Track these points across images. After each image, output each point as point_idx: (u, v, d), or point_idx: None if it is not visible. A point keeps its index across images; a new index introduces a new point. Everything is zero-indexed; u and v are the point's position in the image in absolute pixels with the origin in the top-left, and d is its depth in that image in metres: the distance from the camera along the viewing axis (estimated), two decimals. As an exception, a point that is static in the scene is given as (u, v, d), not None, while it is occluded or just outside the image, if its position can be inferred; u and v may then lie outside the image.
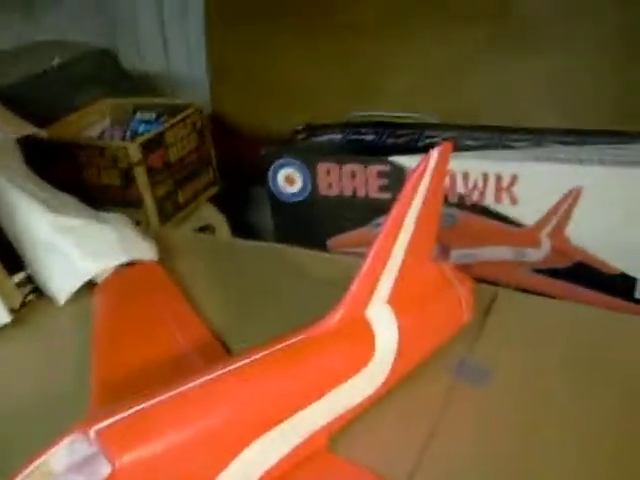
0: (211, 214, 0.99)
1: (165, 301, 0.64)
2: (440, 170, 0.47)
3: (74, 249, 0.66)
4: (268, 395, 0.42)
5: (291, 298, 0.64)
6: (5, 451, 0.48)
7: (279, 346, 0.44)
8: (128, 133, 1.00)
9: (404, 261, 0.48)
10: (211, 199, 0.98)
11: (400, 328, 0.48)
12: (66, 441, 0.37)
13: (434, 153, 0.46)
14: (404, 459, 0.45)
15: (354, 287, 0.46)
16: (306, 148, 0.82)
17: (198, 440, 0.38)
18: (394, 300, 0.49)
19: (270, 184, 0.82)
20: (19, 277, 0.69)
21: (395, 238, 0.46)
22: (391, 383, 0.49)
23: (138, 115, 1.04)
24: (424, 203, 0.47)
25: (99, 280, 0.68)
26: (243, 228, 0.97)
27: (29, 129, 0.69)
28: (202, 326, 0.60)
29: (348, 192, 0.78)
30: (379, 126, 0.82)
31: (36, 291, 0.70)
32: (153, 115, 1.01)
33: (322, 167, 0.78)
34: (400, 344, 0.48)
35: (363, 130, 0.81)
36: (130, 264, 0.69)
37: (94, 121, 1.03)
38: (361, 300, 0.47)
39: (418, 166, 0.45)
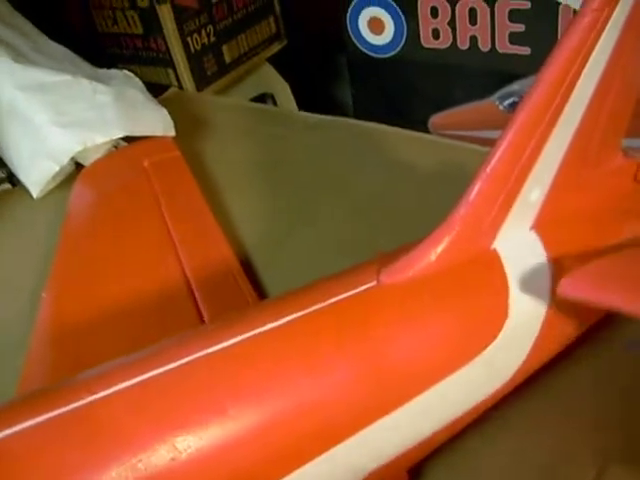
0: (271, 79, 0.80)
1: (173, 201, 0.46)
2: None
3: (46, 116, 0.48)
4: (306, 399, 0.24)
5: (368, 203, 0.46)
6: None
7: (326, 303, 0.26)
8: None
9: (572, 150, 0.28)
10: (272, 59, 0.79)
11: (555, 274, 0.28)
12: None
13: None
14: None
15: (474, 193, 0.26)
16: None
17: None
18: (547, 223, 0.29)
19: (349, 32, 0.61)
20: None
21: (559, 108, 0.26)
22: (529, 370, 0.30)
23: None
24: (619, 47, 0.27)
25: (87, 163, 0.51)
26: (316, 102, 0.78)
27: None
28: (223, 244, 0.42)
29: (464, 44, 0.56)
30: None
31: (12, 177, 0.54)
32: None
33: (424, 4, 0.55)
34: (554, 300, 0.28)
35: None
36: (134, 142, 0.52)
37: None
38: (487, 218, 0.27)
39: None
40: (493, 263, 0.27)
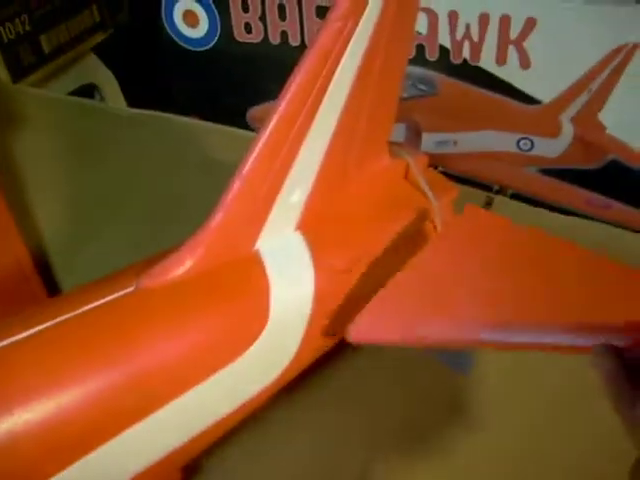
0: (95, 70, 0.77)
1: None
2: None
3: None
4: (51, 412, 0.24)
5: (173, 202, 0.47)
6: None
7: (85, 308, 0.26)
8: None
9: (333, 149, 0.28)
10: (96, 49, 0.76)
11: (319, 273, 0.29)
12: None
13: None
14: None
15: (232, 194, 0.27)
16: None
17: None
18: (311, 223, 0.30)
19: (164, 24, 0.60)
20: None
21: (314, 106, 0.27)
22: (301, 365, 0.31)
23: None
24: (370, 53, 0.28)
25: None
26: (140, 91, 0.76)
27: None
28: (17, 243, 0.40)
29: (275, 39, 0.56)
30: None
31: None
32: None
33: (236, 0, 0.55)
34: (319, 299, 0.29)
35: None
36: None
37: None
38: (248, 220, 0.28)
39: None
40: (254, 265, 0.28)
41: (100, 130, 0.54)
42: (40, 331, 0.25)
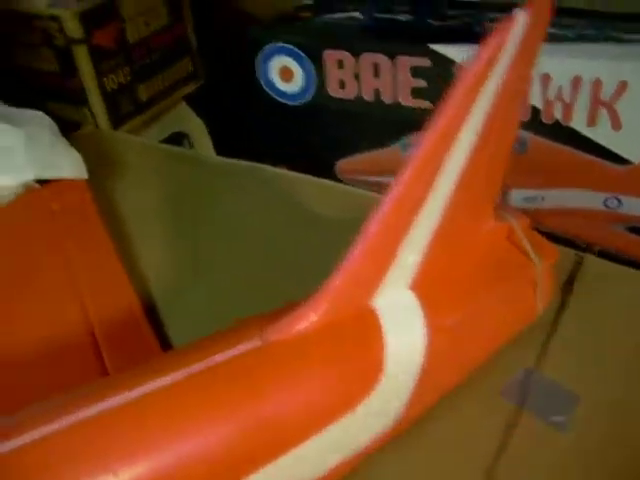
0: (187, 118, 0.80)
1: (80, 246, 0.46)
2: (527, 54, 0.28)
3: None
4: (184, 457, 0.25)
5: (272, 248, 0.48)
6: None
7: (209, 364, 0.27)
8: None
9: (447, 215, 0.29)
10: (188, 98, 0.80)
11: (430, 330, 0.30)
12: None
13: (520, 16, 0.25)
14: None
15: (355, 255, 0.27)
16: (309, 29, 0.61)
17: None
18: (423, 283, 0.30)
19: (259, 79, 0.62)
20: None
21: (433, 173, 0.27)
22: (412, 418, 0.32)
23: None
24: (493, 112, 0.27)
25: None
26: (232, 141, 0.79)
27: None
28: (127, 292, 0.42)
29: (368, 96, 0.58)
30: (419, 2, 0.60)
31: None
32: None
33: (332, 57, 0.57)
34: (429, 356, 0.30)
35: (396, 7, 0.59)
36: (45, 184, 0.51)
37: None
38: (367, 279, 0.29)
39: (488, 43, 0.26)
40: (371, 320, 0.29)
41: (195, 177, 0.57)
42: (171, 384, 0.26)
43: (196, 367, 0.26)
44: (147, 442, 0.24)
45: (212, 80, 0.80)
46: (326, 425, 0.27)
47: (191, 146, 0.79)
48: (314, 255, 0.44)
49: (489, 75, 0.26)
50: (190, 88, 0.77)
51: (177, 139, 0.78)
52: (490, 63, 0.26)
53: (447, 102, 0.26)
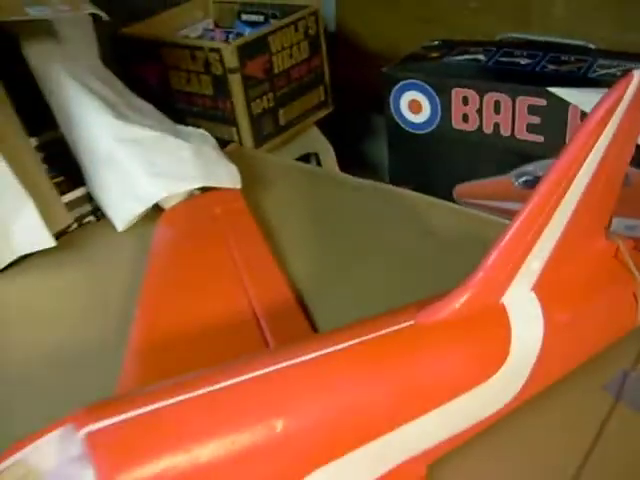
0: (317, 140, 0.89)
1: (240, 244, 0.54)
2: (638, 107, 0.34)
3: (138, 166, 0.57)
4: (351, 405, 0.32)
5: (401, 258, 0.54)
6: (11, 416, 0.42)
7: (373, 335, 0.34)
8: (232, 37, 0.90)
9: (567, 232, 0.36)
10: (319, 123, 0.88)
11: (547, 325, 0.36)
12: (54, 435, 0.28)
13: (637, 74, 0.32)
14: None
15: (491, 260, 0.34)
16: (439, 69, 0.69)
17: (236, 462, 0.28)
18: (543, 286, 0.37)
19: (390, 109, 0.70)
20: (76, 194, 0.61)
21: (559, 198, 0.34)
22: (524, 399, 0.37)
23: (244, 16, 0.93)
24: (609, 151, 0.34)
25: (166, 206, 0.59)
26: (354, 162, 0.86)
27: (87, 8, 0.59)
28: (282, 284, 0.50)
29: (488, 129, 0.65)
30: (536, 48, 0.67)
31: (97, 212, 0.62)
32: (262, 17, 0.90)
33: (458, 94, 0.65)
34: (544, 347, 0.36)
35: (516, 52, 0.67)
36: (206, 191, 0.60)
37: (194, 20, 0.93)
38: (499, 280, 0.35)
39: (609, 94, 0.32)
40: (500, 314, 0.35)
41: (329, 195, 0.64)
42: (341, 349, 0.33)
43: (363, 337, 0.33)
44: (310, 397, 0.31)
45: (342, 110, 0.87)
46: (461, 392, 0.34)
47: (318, 163, 0.87)
48: (434, 268, 0.51)
49: (610, 121, 0.33)
50: (321, 114, 0.86)
51: (306, 157, 0.86)
52: (610, 111, 0.33)
53: (572, 141, 0.33)
